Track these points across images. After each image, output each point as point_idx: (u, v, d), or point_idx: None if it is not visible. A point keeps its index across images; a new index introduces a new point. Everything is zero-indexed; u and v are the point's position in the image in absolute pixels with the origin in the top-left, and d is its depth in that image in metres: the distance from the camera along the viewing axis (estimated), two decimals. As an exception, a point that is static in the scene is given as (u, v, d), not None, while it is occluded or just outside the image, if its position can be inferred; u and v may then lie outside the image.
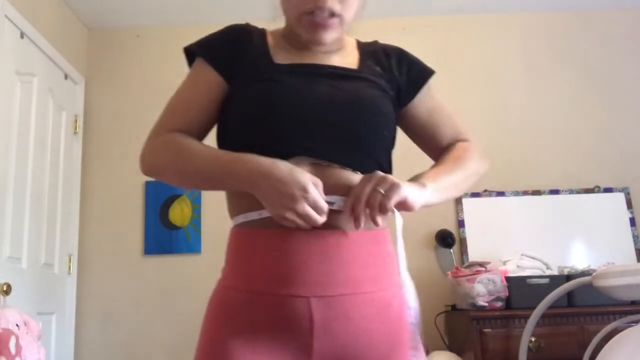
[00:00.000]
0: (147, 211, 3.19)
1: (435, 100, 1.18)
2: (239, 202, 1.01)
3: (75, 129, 3.19)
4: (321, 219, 0.90)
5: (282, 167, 0.91)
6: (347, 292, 0.93)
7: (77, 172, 3.17)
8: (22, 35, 2.63)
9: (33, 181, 2.69)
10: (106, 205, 3.22)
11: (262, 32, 1.12)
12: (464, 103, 3.32)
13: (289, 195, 0.88)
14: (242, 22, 1.14)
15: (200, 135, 1.07)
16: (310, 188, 0.89)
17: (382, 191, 0.90)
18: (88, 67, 3.38)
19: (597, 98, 3.37)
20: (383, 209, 0.90)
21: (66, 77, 3.10)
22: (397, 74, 1.12)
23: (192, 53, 1.11)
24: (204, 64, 1.07)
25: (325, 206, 0.90)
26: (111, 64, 3.39)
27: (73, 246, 3.09)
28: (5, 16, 2.47)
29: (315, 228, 0.93)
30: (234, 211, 1.03)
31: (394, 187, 0.90)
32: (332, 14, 1.00)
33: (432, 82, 1.17)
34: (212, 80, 1.06)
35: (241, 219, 1.00)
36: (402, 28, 3.39)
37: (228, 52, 1.07)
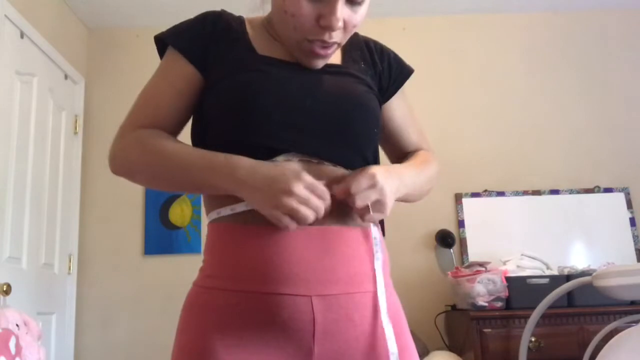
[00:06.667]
0: (147, 211, 3.19)
1: (407, 103, 1.14)
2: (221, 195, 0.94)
3: (75, 129, 3.19)
4: (325, 203, 0.86)
5: (267, 163, 0.88)
6: (348, 291, 0.89)
7: (77, 172, 3.17)
8: (22, 35, 2.63)
9: (33, 181, 2.69)
10: (106, 205, 3.22)
11: (240, 21, 1.05)
12: (464, 103, 3.32)
13: (282, 185, 0.83)
14: None
15: (174, 131, 1.00)
16: (303, 174, 0.85)
17: (373, 202, 0.89)
18: (88, 67, 3.38)
19: (597, 98, 3.37)
20: (365, 217, 0.90)
21: (66, 77, 3.10)
22: (380, 68, 1.08)
23: (163, 42, 1.03)
24: (176, 55, 1.00)
25: (324, 189, 0.86)
26: (111, 64, 3.39)
27: (73, 246, 3.09)
28: (5, 16, 2.47)
29: (310, 224, 0.88)
30: (214, 202, 0.96)
31: (383, 205, 0.90)
32: (335, 43, 0.96)
33: (407, 84, 1.13)
34: (184, 72, 0.99)
35: (228, 210, 0.93)
36: (402, 28, 3.39)
37: (203, 41, 0.99)
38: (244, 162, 0.88)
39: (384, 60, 1.09)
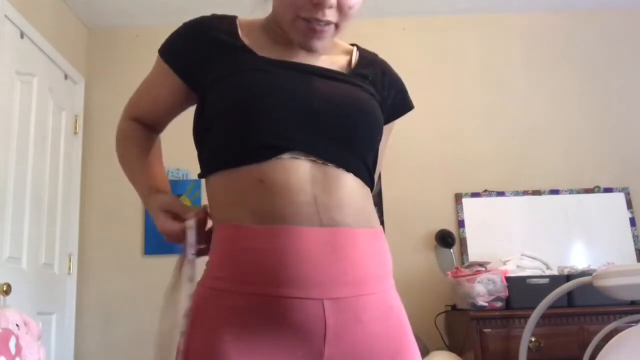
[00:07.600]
0: (147, 211, 3.18)
1: (388, 137, 1.14)
2: (223, 196, 0.96)
3: (75, 129, 3.19)
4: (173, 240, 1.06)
5: (153, 202, 1.06)
6: (357, 293, 0.89)
7: (77, 172, 3.17)
8: (22, 35, 2.63)
9: (33, 181, 2.69)
10: (106, 205, 3.22)
11: (232, 22, 1.05)
12: (464, 103, 3.32)
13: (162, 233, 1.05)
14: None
15: (162, 121, 1.14)
16: (161, 220, 1.08)
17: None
18: (88, 67, 3.38)
19: (598, 98, 3.37)
20: None
21: (66, 77, 3.10)
22: (386, 94, 1.08)
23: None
24: (163, 64, 1.05)
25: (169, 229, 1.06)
26: (111, 64, 3.39)
27: (73, 246, 3.09)
28: (5, 16, 2.47)
29: (322, 224, 0.88)
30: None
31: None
32: (329, 22, 0.96)
33: (407, 85, 1.15)
34: (168, 81, 1.05)
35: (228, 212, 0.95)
36: (402, 28, 3.39)
37: (188, 53, 1.02)
38: (148, 202, 1.08)
39: (392, 90, 1.10)
